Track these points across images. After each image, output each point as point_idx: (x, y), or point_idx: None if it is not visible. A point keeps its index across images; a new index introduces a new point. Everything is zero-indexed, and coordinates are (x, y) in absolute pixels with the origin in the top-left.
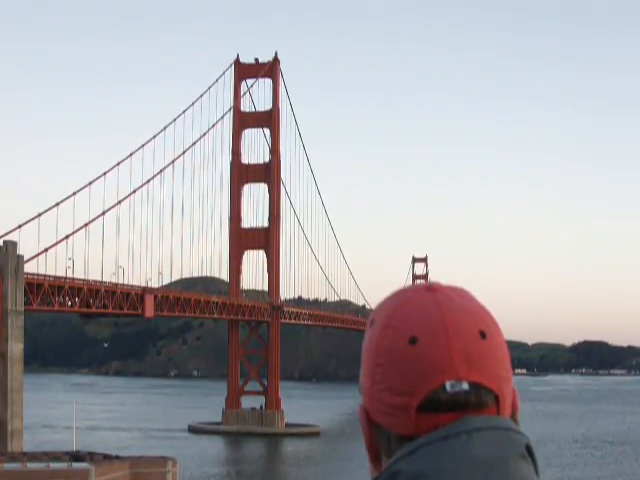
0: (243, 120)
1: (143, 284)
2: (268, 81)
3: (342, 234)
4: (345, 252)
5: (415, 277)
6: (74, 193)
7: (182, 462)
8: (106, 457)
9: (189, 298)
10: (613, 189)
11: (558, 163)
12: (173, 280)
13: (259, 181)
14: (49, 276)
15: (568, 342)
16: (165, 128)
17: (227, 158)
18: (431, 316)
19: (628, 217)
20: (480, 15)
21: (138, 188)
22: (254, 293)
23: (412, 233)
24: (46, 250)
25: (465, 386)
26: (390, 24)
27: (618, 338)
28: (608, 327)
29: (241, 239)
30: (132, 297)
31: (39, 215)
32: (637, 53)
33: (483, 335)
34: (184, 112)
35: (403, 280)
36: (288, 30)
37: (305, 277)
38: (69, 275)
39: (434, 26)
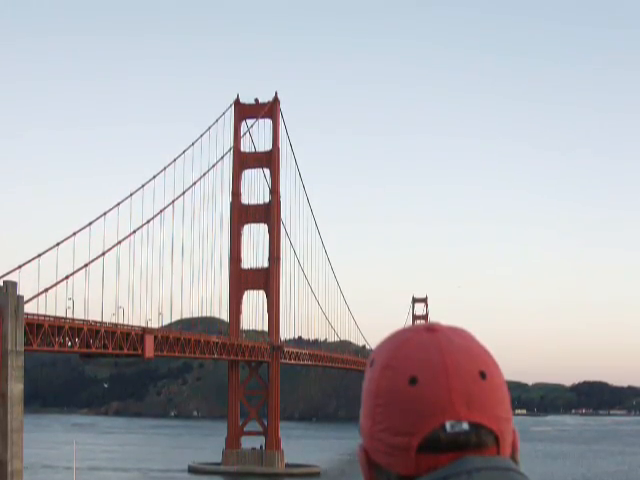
0: (243, 160)
1: (143, 324)
2: (268, 121)
3: (342, 274)
4: (345, 292)
5: (415, 317)
6: (74, 233)
7: None
8: None
9: (189, 338)
10: (612, 230)
11: (557, 205)
12: (173, 320)
13: (259, 221)
14: (49, 316)
15: (568, 382)
16: (165, 168)
17: (227, 198)
18: (431, 356)
19: (628, 258)
20: (480, 60)
21: (138, 228)
22: (254, 333)
23: (412, 273)
24: (46, 290)
25: (465, 426)
26: (391, 64)
27: (618, 378)
28: (608, 367)
29: (241, 279)
30: (132, 337)
31: (39, 255)
32: None
33: (483, 375)
34: (184, 152)
35: (403, 320)
36: (288, 70)
37: (305, 317)
38: (69, 315)
39: (435, 67)
